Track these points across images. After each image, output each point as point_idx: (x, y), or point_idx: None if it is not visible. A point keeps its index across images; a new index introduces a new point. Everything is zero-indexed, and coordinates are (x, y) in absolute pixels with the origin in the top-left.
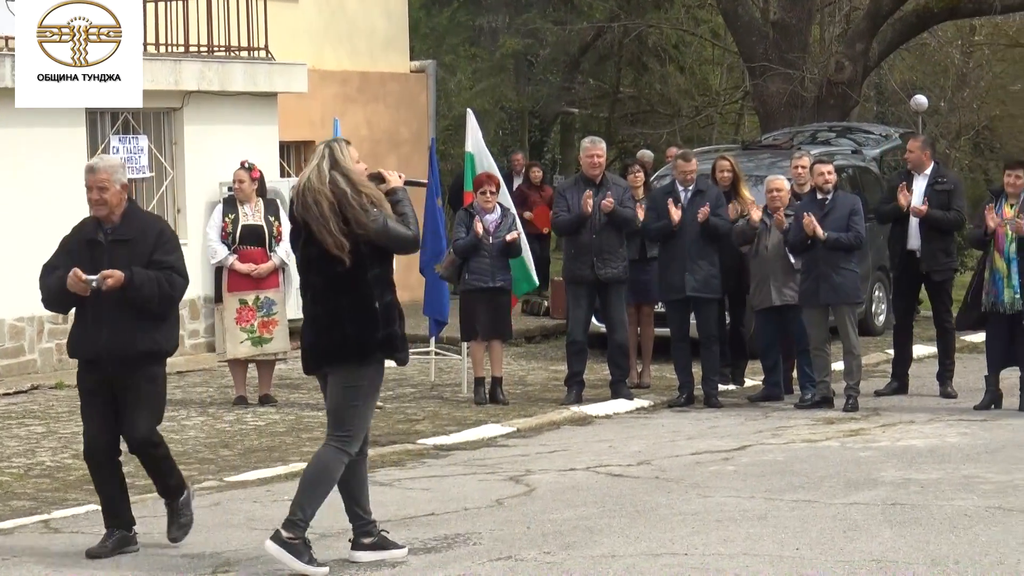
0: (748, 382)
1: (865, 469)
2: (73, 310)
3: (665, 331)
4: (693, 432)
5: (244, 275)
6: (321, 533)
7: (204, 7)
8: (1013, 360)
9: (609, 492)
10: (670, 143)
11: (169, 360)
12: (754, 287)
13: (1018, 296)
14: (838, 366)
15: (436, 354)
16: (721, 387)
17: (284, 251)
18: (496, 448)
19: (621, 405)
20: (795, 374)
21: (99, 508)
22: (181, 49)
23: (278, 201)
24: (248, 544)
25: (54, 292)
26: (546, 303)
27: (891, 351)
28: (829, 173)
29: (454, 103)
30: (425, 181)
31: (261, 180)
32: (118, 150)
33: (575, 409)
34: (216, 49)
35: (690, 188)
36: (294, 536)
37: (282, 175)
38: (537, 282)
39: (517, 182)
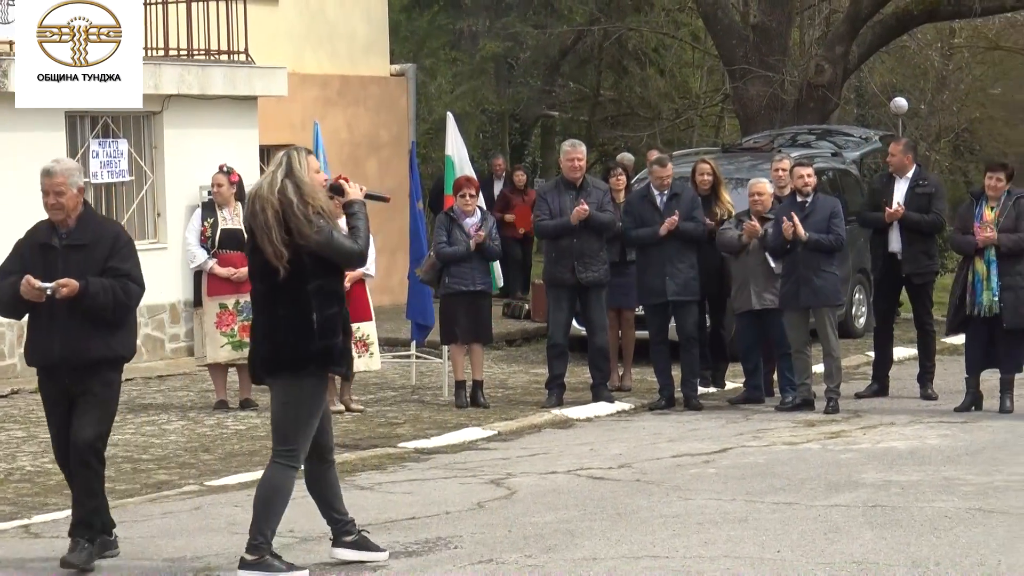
0: (729, 385)
1: (846, 471)
2: (27, 317)
3: (645, 334)
4: (674, 435)
5: (224, 279)
6: (302, 537)
7: (184, 10)
8: (993, 362)
9: (590, 495)
10: (650, 146)
11: (149, 364)
12: (735, 290)
13: (996, 299)
14: (819, 368)
15: (417, 357)
16: (702, 390)
17: None
18: (477, 451)
19: (602, 408)
20: (776, 377)
21: None
22: (161, 53)
23: None
24: (229, 548)
25: (7, 298)
26: (527, 306)
27: (872, 353)
28: (809, 176)
29: (434, 106)
30: (387, 196)
31: (240, 184)
32: (98, 154)
33: (556, 412)
34: (196, 53)
35: (665, 192)
36: (259, 557)
37: None
38: (501, 283)
39: (498, 186)
